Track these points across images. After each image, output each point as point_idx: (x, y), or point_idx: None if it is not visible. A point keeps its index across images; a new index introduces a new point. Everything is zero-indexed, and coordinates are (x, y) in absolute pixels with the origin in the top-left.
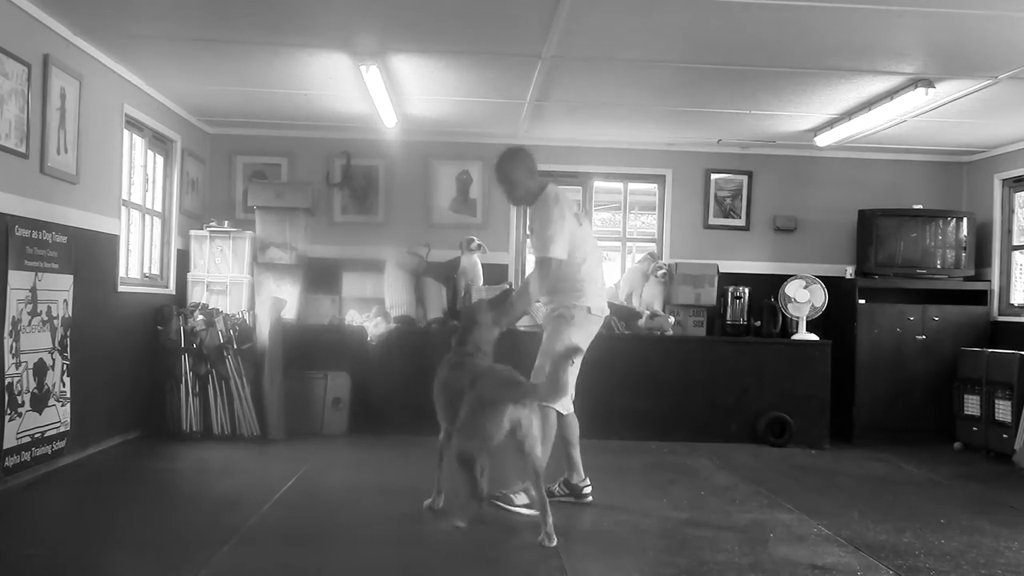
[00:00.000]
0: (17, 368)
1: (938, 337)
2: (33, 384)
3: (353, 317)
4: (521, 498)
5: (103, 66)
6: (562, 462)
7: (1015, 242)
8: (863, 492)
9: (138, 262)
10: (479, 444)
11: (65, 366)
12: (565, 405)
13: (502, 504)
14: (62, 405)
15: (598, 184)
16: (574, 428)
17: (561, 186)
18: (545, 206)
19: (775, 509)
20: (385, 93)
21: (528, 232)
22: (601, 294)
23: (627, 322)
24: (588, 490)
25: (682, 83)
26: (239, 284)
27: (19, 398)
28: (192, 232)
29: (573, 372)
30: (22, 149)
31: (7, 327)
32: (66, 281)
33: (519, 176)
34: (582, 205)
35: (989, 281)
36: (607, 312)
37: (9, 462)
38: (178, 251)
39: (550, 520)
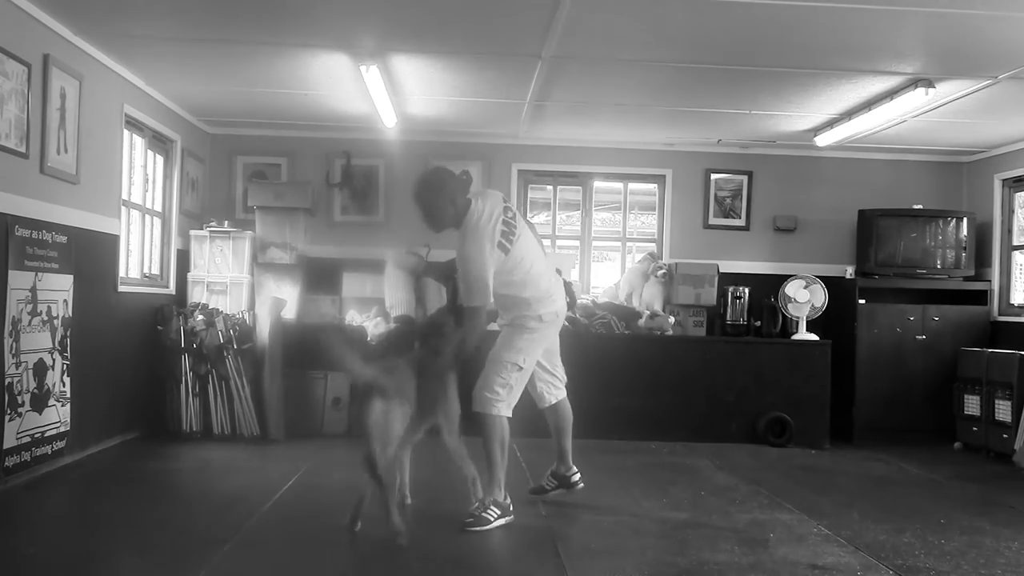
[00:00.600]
0: (17, 368)
1: (938, 337)
2: (33, 384)
3: (353, 317)
4: (493, 512)
5: (103, 66)
6: (551, 456)
7: (1015, 242)
8: (863, 492)
9: (138, 262)
10: (364, 438)
11: (65, 366)
12: (504, 409)
13: (478, 527)
14: (62, 405)
15: (598, 184)
16: (567, 417)
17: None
18: (466, 236)
19: (775, 509)
20: (385, 93)
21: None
22: (552, 297)
23: (627, 322)
24: (577, 477)
25: (682, 83)
26: (239, 284)
27: (19, 398)
28: (192, 232)
29: (522, 378)
30: (22, 149)
31: (7, 327)
32: (66, 281)
33: (441, 203)
34: (521, 209)
35: (989, 281)
36: (564, 312)
37: (9, 462)
38: (178, 251)
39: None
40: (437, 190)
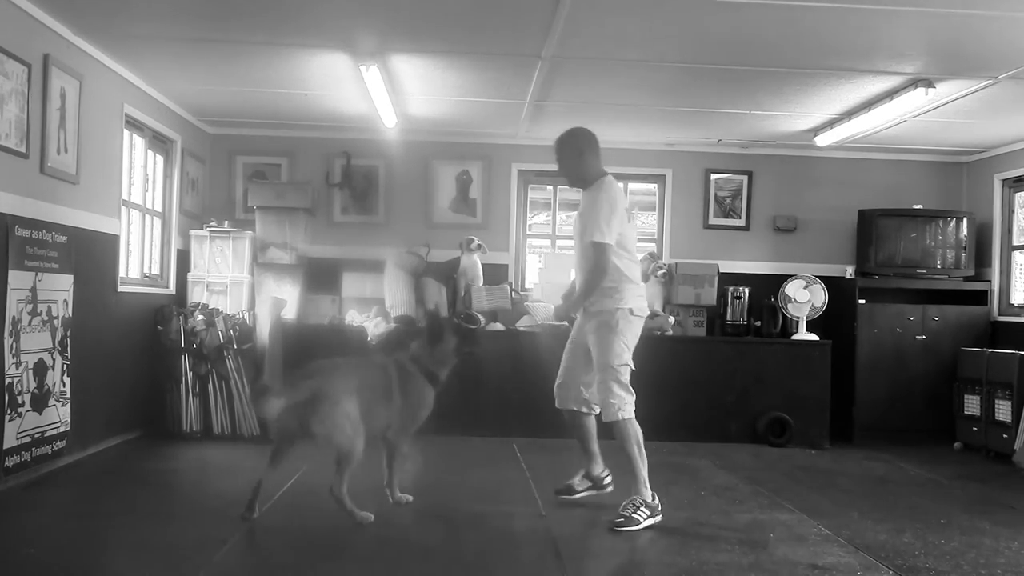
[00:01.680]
0: (17, 368)
1: (938, 337)
2: (33, 384)
3: (353, 317)
4: (643, 512)
5: (103, 66)
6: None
7: (1015, 242)
8: (863, 492)
9: (138, 262)
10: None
11: (65, 366)
12: (629, 411)
13: (628, 528)
14: (62, 405)
15: None
16: (594, 423)
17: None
18: (601, 191)
19: (775, 509)
20: (385, 93)
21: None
22: (641, 294)
23: None
24: (609, 479)
25: (682, 83)
26: (239, 284)
27: (19, 398)
28: (192, 232)
29: (630, 375)
30: (22, 149)
31: (7, 327)
32: (66, 281)
33: (588, 156)
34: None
35: (989, 281)
36: (647, 312)
37: (9, 462)
38: (178, 251)
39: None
40: (568, 143)
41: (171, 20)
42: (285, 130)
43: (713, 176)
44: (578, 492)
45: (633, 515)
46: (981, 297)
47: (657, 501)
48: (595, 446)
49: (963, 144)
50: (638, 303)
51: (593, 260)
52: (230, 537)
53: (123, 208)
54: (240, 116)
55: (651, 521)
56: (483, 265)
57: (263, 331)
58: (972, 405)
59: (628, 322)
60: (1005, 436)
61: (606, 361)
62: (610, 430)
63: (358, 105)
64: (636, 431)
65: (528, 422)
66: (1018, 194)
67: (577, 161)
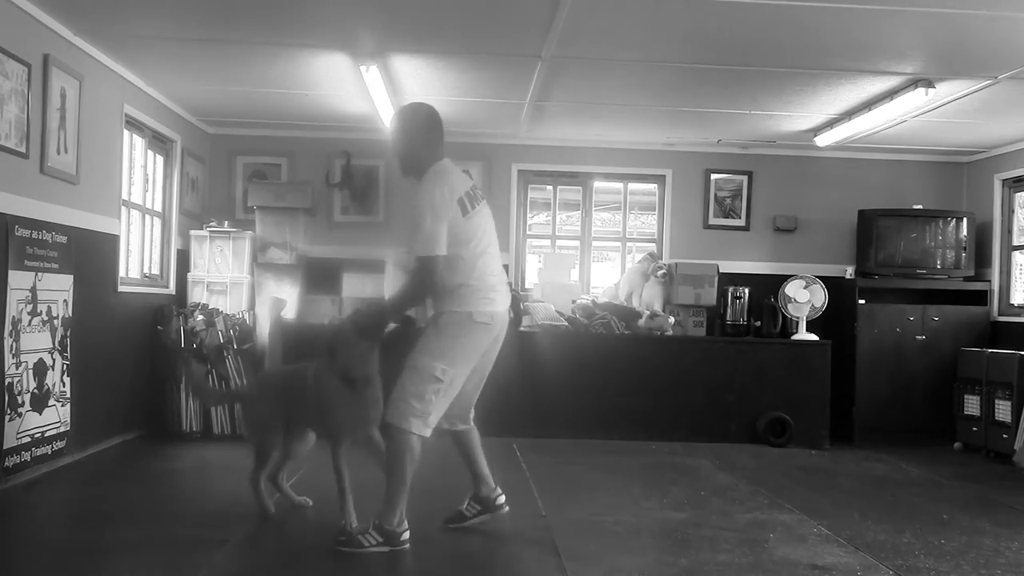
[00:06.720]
0: (17, 368)
1: (938, 337)
2: (33, 384)
3: None
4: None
5: (103, 66)
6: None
7: (1015, 242)
8: (863, 492)
9: (138, 262)
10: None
11: (65, 366)
12: (422, 427)
13: (348, 548)
14: (62, 405)
15: (598, 184)
16: (475, 442)
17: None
18: (423, 184)
19: (775, 509)
20: (385, 93)
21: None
22: (491, 297)
23: (627, 322)
24: (502, 499)
25: (682, 83)
26: (239, 284)
27: (19, 398)
28: (192, 232)
29: (444, 392)
30: (22, 149)
31: (7, 327)
32: (66, 281)
33: (407, 139)
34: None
35: (989, 281)
36: (502, 320)
37: (9, 462)
38: (178, 251)
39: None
40: (407, 123)
41: (171, 20)
42: (285, 130)
43: (713, 176)
44: (468, 518)
45: (359, 536)
46: (981, 297)
47: (403, 529)
48: (483, 465)
49: (963, 144)
50: (482, 308)
51: (416, 278)
52: (230, 537)
53: (123, 208)
54: (240, 116)
55: (380, 549)
56: None
57: (263, 331)
58: (972, 405)
59: (467, 326)
60: (1005, 436)
61: (416, 360)
62: (609, 432)
63: (358, 105)
64: (415, 451)
65: (528, 422)
66: (1018, 194)
67: (422, 149)
